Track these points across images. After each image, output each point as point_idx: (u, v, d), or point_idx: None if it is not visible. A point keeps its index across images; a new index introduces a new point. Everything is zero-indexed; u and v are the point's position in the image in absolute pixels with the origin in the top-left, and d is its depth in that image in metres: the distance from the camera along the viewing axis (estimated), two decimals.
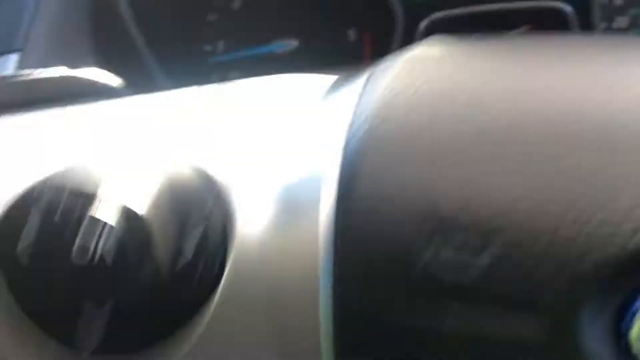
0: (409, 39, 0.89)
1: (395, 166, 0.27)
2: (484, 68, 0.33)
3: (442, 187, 0.26)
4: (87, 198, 0.30)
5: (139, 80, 0.85)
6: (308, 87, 0.38)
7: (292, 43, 0.94)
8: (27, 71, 0.45)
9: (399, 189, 0.27)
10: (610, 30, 0.90)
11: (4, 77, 0.52)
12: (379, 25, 0.89)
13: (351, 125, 0.30)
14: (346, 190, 0.27)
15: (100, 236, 0.29)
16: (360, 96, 0.32)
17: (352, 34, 0.94)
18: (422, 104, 0.30)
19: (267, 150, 0.34)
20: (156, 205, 0.30)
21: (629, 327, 0.25)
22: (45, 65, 0.78)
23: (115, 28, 0.86)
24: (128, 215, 0.29)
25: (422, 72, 0.32)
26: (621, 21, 0.90)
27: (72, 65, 0.53)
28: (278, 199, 0.31)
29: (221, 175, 0.31)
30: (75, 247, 0.29)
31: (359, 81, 0.34)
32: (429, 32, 0.89)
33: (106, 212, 0.29)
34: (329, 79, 0.38)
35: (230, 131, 0.35)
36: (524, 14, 0.89)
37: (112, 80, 0.74)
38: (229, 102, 0.39)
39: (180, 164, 0.32)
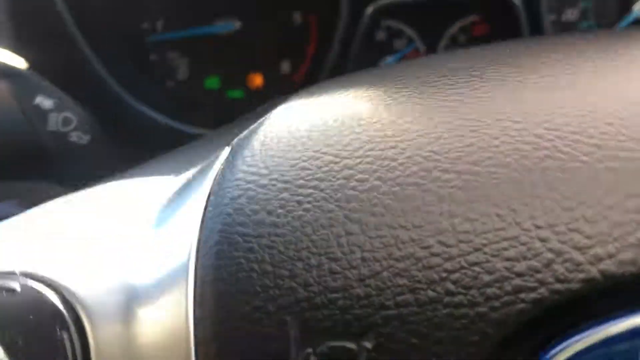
0: (354, 22, 0.85)
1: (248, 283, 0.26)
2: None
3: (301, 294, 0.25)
4: None
5: (69, 62, 0.81)
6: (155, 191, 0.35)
7: (235, 24, 0.90)
8: None
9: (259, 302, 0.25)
10: (558, 23, 0.87)
11: None
12: (325, 8, 0.86)
13: (200, 240, 0.28)
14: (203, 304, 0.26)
15: None
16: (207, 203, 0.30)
17: (297, 17, 0.90)
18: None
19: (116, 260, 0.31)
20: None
21: None
22: None
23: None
24: None
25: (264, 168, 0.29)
26: (571, 14, 0.87)
27: None
28: (132, 305, 0.29)
29: (70, 287, 0.30)
30: None
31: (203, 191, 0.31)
32: (375, 17, 0.86)
33: None
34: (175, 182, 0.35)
35: (81, 244, 0.33)
36: (472, 3, 0.86)
37: (16, 61, 0.71)
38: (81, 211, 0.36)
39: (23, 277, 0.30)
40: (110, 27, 0.86)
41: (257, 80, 0.93)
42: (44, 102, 0.68)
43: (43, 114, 0.68)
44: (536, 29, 0.83)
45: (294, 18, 0.91)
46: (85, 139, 0.65)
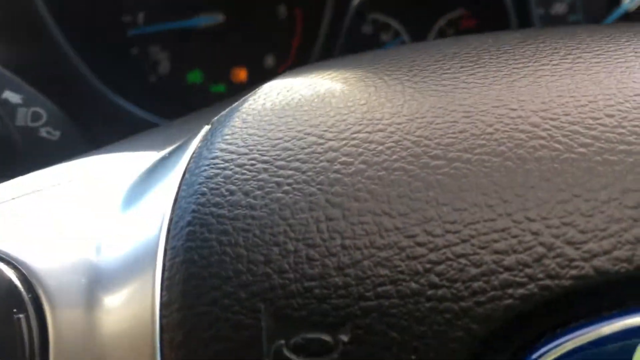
0: (340, 16, 0.84)
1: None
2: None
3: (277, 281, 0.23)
4: None
5: (46, 57, 0.78)
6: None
7: (218, 17, 0.88)
8: None
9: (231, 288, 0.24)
10: (547, 17, 0.87)
11: None
12: (311, 1, 0.84)
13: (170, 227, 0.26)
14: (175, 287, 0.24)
15: None
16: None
17: (282, 10, 0.89)
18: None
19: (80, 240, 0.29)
20: None
21: None
22: None
23: None
24: None
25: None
26: (559, 7, 0.87)
27: None
28: (95, 286, 0.27)
29: (30, 264, 0.27)
30: None
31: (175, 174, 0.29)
32: (361, 10, 0.84)
33: None
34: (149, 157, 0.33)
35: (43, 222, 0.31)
36: None
37: None
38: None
39: None
40: (89, 21, 0.84)
41: (241, 74, 0.91)
42: (12, 96, 0.66)
43: (11, 108, 0.65)
44: (524, 23, 0.83)
45: (278, 11, 0.89)
46: (55, 134, 0.63)
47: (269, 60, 0.90)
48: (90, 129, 0.76)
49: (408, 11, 0.86)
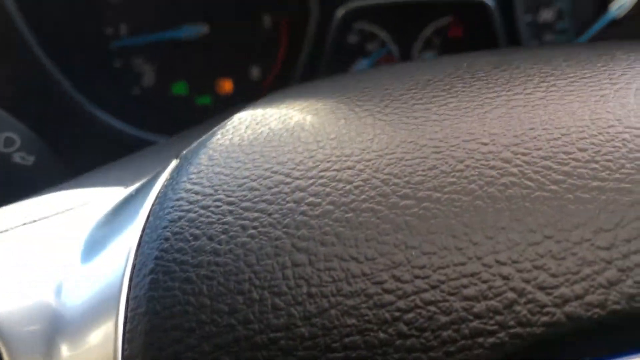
0: (325, 26, 0.83)
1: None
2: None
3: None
4: None
5: (24, 71, 0.78)
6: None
7: (203, 28, 0.87)
8: None
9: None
10: (534, 24, 0.86)
11: None
12: (295, 11, 0.83)
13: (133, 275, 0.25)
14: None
15: None
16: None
17: (267, 20, 0.88)
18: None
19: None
20: None
21: None
22: None
23: None
24: None
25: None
26: (546, 14, 0.86)
27: None
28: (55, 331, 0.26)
29: None
30: None
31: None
32: (347, 20, 0.84)
33: None
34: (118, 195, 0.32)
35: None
36: (444, 6, 0.84)
37: None
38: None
39: None
40: (70, 33, 0.83)
41: (226, 86, 0.90)
42: None
43: None
44: (511, 31, 0.82)
45: (263, 22, 0.88)
46: (30, 159, 0.62)
47: (255, 71, 0.89)
48: (71, 147, 0.75)
49: (394, 20, 0.85)
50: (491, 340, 0.21)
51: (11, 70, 0.76)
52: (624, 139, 0.25)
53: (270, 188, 0.26)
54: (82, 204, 0.32)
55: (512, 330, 0.21)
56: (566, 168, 0.24)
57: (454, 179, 0.25)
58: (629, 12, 0.83)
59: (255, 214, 0.25)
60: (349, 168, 0.26)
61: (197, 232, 0.25)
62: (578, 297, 0.22)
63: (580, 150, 0.25)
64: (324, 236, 0.24)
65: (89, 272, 0.28)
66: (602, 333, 0.22)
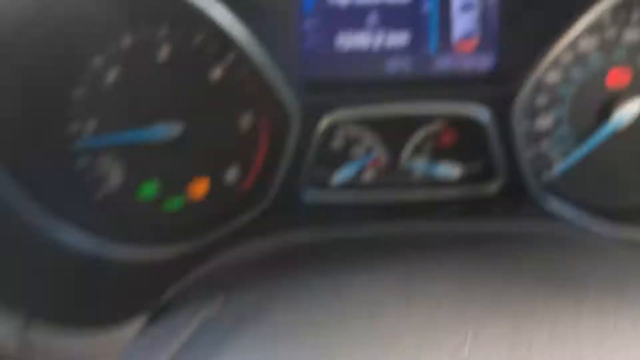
0: (308, 134, 0.76)
1: None
2: None
3: None
4: None
5: None
6: None
7: (176, 127, 0.80)
8: None
9: None
10: (531, 132, 0.81)
11: None
12: (277, 111, 0.77)
13: None
14: None
15: None
16: None
17: (246, 120, 0.81)
18: None
19: None
20: None
21: None
22: None
23: None
24: None
25: None
26: (544, 121, 0.81)
27: None
28: None
29: None
30: None
31: None
32: (331, 127, 0.77)
33: None
34: None
35: None
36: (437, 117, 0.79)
37: None
38: None
39: None
40: (27, 130, 0.75)
41: (200, 189, 0.83)
42: None
43: None
44: (506, 139, 0.76)
45: (242, 121, 0.81)
46: None
47: (231, 175, 0.82)
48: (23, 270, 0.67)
49: (382, 124, 0.79)
50: None
51: None
52: None
53: None
54: None
55: None
56: None
57: None
58: (633, 123, 0.78)
59: None
60: None
61: None
62: None
63: None
64: None
65: None
66: None
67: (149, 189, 0.82)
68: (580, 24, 0.69)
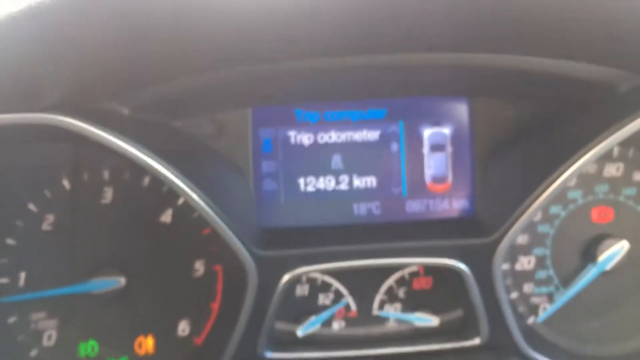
0: (268, 290, 0.68)
1: None
2: None
3: None
4: None
5: None
6: None
7: (119, 280, 0.71)
8: None
9: None
10: (512, 271, 0.74)
11: None
12: (232, 260, 0.68)
13: None
14: None
15: None
16: None
17: (199, 266, 0.73)
18: None
19: None
20: None
21: None
22: None
23: None
24: None
25: None
26: (525, 261, 0.75)
27: None
28: None
29: None
30: None
31: None
32: (293, 281, 0.69)
33: None
34: None
35: None
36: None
37: None
38: None
39: None
40: None
41: (147, 344, 0.73)
42: None
43: None
44: (486, 285, 0.69)
45: (193, 269, 0.73)
46: None
47: (183, 327, 0.73)
48: None
49: (351, 273, 0.71)
50: None
51: None
52: None
53: None
54: None
55: None
56: None
57: None
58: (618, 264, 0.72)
59: None
60: None
61: None
62: None
63: None
64: None
65: None
66: None
67: (88, 349, 0.73)
68: (562, 168, 0.64)
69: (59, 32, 0.48)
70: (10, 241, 0.72)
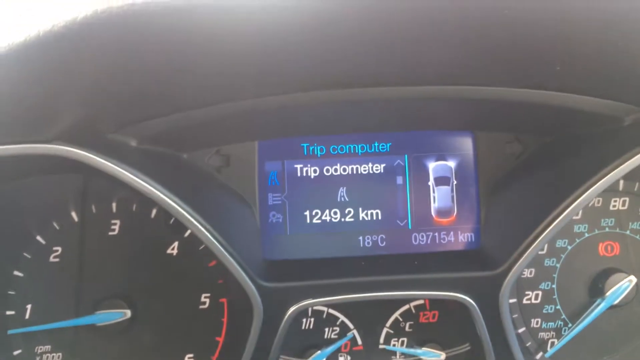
0: (272, 322, 0.68)
1: None
2: None
3: None
4: None
5: None
6: None
7: (124, 312, 0.71)
8: None
9: None
10: (521, 306, 0.74)
11: None
12: (238, 294, 0.68)
13: None
14: None
15: None
16: None
17: (204, 301, 0.73)
18: None
19: None
20: None
21: None
22: None
23: None
24: None
25: None
26: (532, 296, 0.74)
27: None
28: None
29: None
30: None
31: None
32: (299, 315, 0.69)
33: None
34: None
35: None
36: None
37: None
38: None
39: None
40: None
41: None
42: None
43: None
44: (493, 319, 0.68)
45: (201, 301, 0.73)
46: None
47: None
48: None
49: (357, 306, 0.71)
50: None
51: None
52: None
53: None
54: None
55: None
56: None
57: None
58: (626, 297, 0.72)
59: None
60: None
61: None
62: None
63: None
64: None
65: None
66: None
67: None
68: (567, 201, 0.64)
69: (66, 62, 0.49)
70: (17, 273, 0.72)
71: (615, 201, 0.74)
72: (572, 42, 0.54)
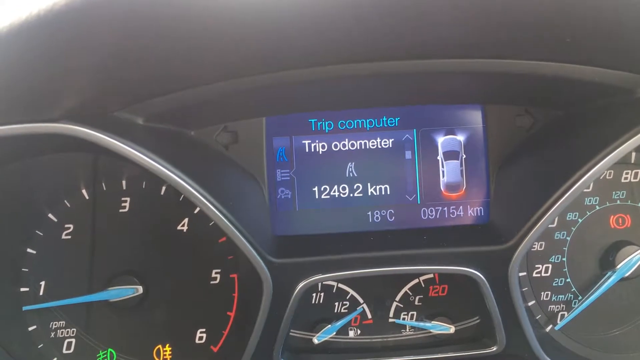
0: (282, 297, 0.68)
1: None
2: None
3: None
4: None
5: None
6: None
7: (136, 288, 0.72)
8: None
9: None
10: (530, 279, 0.74)
11: None
12: (249, 269, 0.69)
13: None
14: None
15: None
16: None
17: (215, 277, 0.73)
18: None
19: None
20: None
21: None
22: None
23: None
24: None
25: None
26: (542, 270, 0.74)
27: None
28: None
29: None
30: None
31: None
32: (309, 290, 0.69)
33: None
34: None
35: None
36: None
37: None
38: None
39: None
40: None
41: (165, 353, 0.74)
42: None
43: None
44: (503, 293, 0.68)
45: (212, 277, 0.74)
46: None
47: (200, 335, 0.74)
48: None
49: (366, 280, 0.71)
50: None
51: None
52: None
53: None
54: None
55: None
56: None
57: None
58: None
59: None
60: None
61: None
62: None
63: None
64: None
65: None
66: None
67: (107, 357, 0.73)
68: (578, 174, 0.63)
69: (70, 41, 0.49)
70: (30, 250, 0.73)
71: (627, 173, 0.73)
72: (582, 12, 0.53)
